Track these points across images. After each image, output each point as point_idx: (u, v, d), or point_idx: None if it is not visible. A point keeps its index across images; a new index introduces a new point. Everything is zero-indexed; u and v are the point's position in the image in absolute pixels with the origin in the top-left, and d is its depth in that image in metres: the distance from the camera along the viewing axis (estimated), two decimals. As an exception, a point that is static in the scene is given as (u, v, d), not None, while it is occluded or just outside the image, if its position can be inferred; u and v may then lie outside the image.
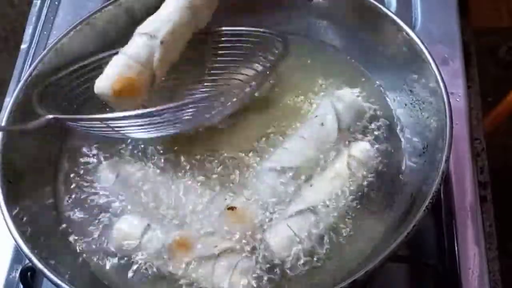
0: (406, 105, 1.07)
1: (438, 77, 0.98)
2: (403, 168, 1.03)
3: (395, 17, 1.06)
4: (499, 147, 1.82)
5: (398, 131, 1.07)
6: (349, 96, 1.08)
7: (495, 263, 1.11)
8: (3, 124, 1.00)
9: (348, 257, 0.95)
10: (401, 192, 1.00)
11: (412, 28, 1.18)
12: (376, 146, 1.04)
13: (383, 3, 1.13)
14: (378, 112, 1.08)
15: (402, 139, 1.06)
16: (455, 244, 1.06)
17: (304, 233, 0.94)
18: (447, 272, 1.04)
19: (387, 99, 1.11)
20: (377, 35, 1.10)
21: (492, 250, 1.12)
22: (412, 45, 1.03)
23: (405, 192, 1.00)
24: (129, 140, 1.07)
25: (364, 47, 1.13)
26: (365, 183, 1.00)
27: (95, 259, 0.98)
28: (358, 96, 1.09)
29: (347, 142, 1.03)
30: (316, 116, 1.05)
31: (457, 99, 1.20)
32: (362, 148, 1.02)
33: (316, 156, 1.01)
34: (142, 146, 1.06)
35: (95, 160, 1.06)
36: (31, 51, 1.36)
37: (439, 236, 1.09)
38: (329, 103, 1.06)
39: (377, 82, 1.12)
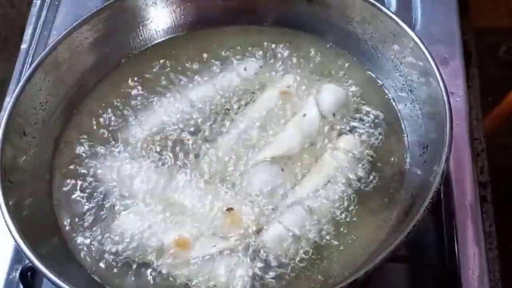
0: (406, 104, 1.07)
1: (438, 77, 0.98)
2: (402, 167, 1.03)
3: (395, 17, 1.06)
4: (499, 147, 1.82)
5: (397, 130, 1.07)
6: (331, 87, 1.08)
7: (495, 263, 1.11)
8: (3, 124, 1.00)
9: (347, 256, 0.95)
10: (401, 192, 1.00)
11: (412, 28, 1.18)
12: (375, 145, 1.04)
13: (383, 3, 1.13)
14: (377, 111, 1.08)
15: (402, 139, 1.06)
16: (455, 244, 1.06)
17: (298, 228, 0.94)
18: (447, 272, 1.04)
19: (387, 98, 1.11)
20: (377, 34, 1.10)
21: (492, 250, 1.12)
22: (412, 45, 1.03)
23: (405, 192, 1.00)
24: (129, 139, 1.07)
25: (363, 46, 1.13)
26: (362, 179, 1.00)
27: (95, 258, 0.97)
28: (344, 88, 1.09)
29: (335, 135, 1.04)
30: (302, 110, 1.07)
31: (457, 99, 1.20)
32: (347, 140, 1.03)
33: (302, 144, 1.02)
34: (141, 144, 1.06)
35: (94, 159, 1.06)
36: (31, 51, 1.36)
37: (439, 236, 1.08)
38: (312, 97, 1.07)
39: (377, 81, 1.12)
